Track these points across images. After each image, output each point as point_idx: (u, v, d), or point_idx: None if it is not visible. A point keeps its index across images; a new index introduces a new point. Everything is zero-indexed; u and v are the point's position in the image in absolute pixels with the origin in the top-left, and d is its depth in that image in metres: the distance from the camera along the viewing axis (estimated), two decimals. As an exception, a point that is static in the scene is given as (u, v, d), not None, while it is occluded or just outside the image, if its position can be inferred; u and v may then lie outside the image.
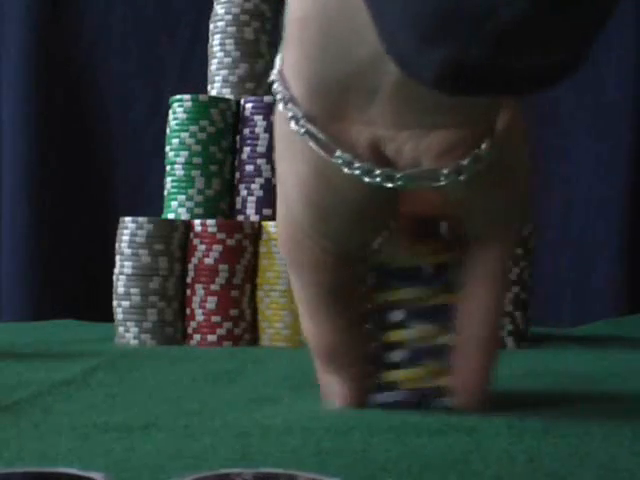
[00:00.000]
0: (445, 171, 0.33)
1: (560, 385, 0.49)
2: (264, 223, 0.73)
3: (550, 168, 1.13)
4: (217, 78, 0.81)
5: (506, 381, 0.49)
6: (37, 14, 1.12)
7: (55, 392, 0.42)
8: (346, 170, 0.32)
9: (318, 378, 0.39)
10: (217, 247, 0.71)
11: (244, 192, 0.77)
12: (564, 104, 1.13)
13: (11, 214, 1.12)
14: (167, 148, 0.78)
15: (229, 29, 0.80)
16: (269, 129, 0.76)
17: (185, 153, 0.76)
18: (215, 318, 0.71)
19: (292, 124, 0.33)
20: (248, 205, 0.76)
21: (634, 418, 0.37)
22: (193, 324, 0.71)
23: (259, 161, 0.76)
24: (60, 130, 1.13)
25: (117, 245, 0.72)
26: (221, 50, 0.81)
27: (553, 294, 1.13)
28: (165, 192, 0.78)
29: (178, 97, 0.77)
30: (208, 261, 0.71)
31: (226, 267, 0.71)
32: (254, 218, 0.75)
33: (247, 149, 0.77)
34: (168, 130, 0.78)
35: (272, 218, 0.74)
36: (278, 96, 0.33)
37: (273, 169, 0.75)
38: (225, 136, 0.77)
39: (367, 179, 0.32)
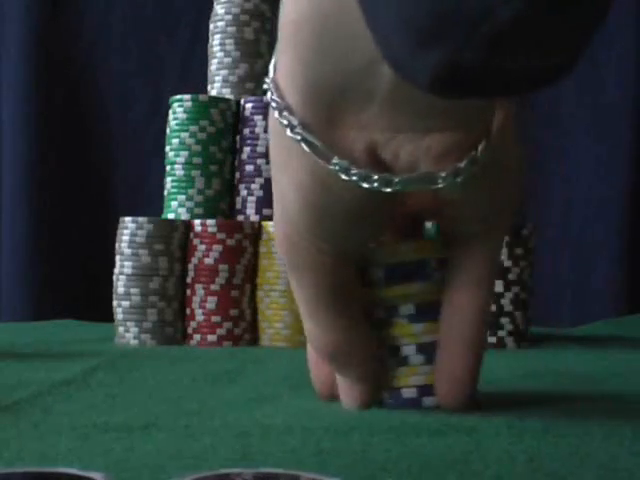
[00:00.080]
0: (442, 174, 0.33)
1: (560, 385, 0.49)
2: (264, 223, 0.73)
3: (550, 168, 1.13)
4: (217, 78, 0.81)
5: (506, 381, 0.49)
6: (37, 14, 1.12)
7: (55, 392, 0.42)
8: (343, 176, 0.32)
9: (312, 376, 0.39)
10: (217, 247, 0.71)
11: (244, 192, 0.77)
12: (564, 104, 1.13)
13: (11, 214, 1.12)
14: (167, 148, 0.78)
15: (229, 29, 0.80)
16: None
17: (185, 153, 0.76)
18: (215, 318, 0.71)
19: (287, 132, 0.32)
20: (248, 205, 0.76)
21: (634, 418, 0.37)
22: (193, 324, 0.71)
23: (259, 161, 0.76)
24: (60, 130, 1.13)
25: (117, 245, 0.72)
26: (221, 50, 0.81)
27: (553, 294, 1.13)
28: (165, 192, 0.78)
29: (178, 97, 0.77)
30: (208, 261, 0.71)
31: (226, 267, 0.71)
32: (254, 218, 0.75)
33: (247, 149, 0.77)
34: (168, 130, 0.78)
35: (272, 218, 0.74)
36: (273, 104, 0.33)
37: (273, 169, 0.76)
38: (225, 136, 0.78)
39: (365, 184, 0.32)
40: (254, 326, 0.72)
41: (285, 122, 0.32)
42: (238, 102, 0.79)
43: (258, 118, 0.76)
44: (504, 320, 0.71)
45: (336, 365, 0.37)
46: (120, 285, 0.71)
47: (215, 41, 0.81)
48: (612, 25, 1.13)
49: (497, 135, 0.34)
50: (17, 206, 1.11)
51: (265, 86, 0.34)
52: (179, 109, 0.77)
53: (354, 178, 0.32)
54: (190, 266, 0.72)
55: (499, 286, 0.71)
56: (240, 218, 0.76)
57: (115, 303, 0.72)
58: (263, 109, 0.76)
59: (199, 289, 0.71)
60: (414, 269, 0.37)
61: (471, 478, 0.26)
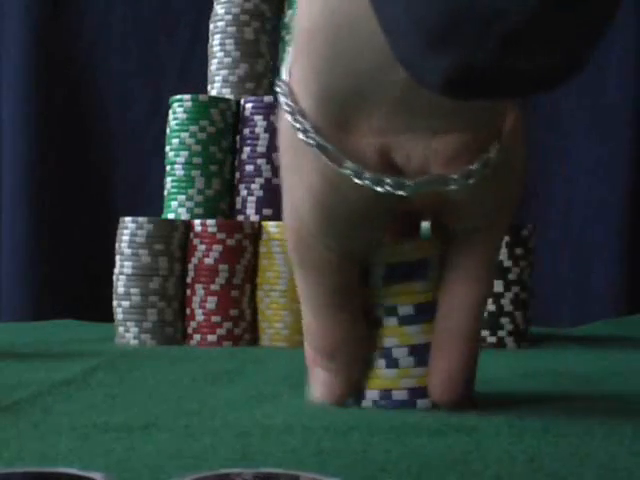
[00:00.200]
0: (455, 176, 0.33)
1: (560, 385, 0.49)
2: (264, 223, 0.73)
3: (550, 169, 1.13)
4: (217, 78, 0.81)
5: (506, 381, 0.49)
6: (37, 14, 1.12)
7: (55, 392, 0.42)
8: (356, 181, 0.33)
9: (310, 372, 0.39)
10: (217, 247, 0.71)
11: (244, 192, 0.77)
12: (564, 105, 1.13)
13: (11, 214, 1.12)
14: (167, 148, 0.78)
15: (229, 29, 0.80)
16: (269, 129, 0.76)
17: (185, 153, 0.76)
18: (215, 318, 0.71)
19: (300, 136, 0.33)
20: (248, 205, 0.76)
21: (634, 418, 0.37)
22: (193, 324, 0.71)
23: (259, 161, 0.76)
24: (60, 130, 1.13)
25: (117, 245, 0.72)
26: (221, 50, 0.81)
27: (553, 294, 1.13)
28: (165, 192, 0.78)
29: (178, 97, 0.77)
30: (208, 261, 0.71)
31: (226, 267, 0.71)
32: (254, 218, 0.75)
33: (247, 149, 0.77)
34: (168, 130, 0.78)
35: (272, 218, 0.74)
36: (286, 108, 0.33)
37: (273, 169, 0.76)
38: (225, 136, 0.78)
39: (378, 188, 0.33)
40: (254, 326, 0.72)
41: (298, 126, 0.33)
42: (238, 102, 0.79)
43: (258, 118, 0.76)
44: (504, 320, 0.71)
45: (333, 363, 0.37)
46: (120, 285, 0.71)
47: (215, 41, 0.81)
48: (612, 26, 1.13)
49: (508, 136, 0.34)
50: (17, 206, 1.11)
51: (277, 89, 0.34)
52: (179, 109, 0.77)
53: (367, 182, 0.33)
54: (190, 266, 0.72)
55: (499, 286, 0.71)
56: (240, 218, 0.76)
57: (115, 303, 0.72)
58: (263, 109, 0.76)
59: (199, 289, 0.71)
60: (414, 269, 0.37)
61: (471, 478, 0.26)
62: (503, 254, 0.71)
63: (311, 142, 0.32)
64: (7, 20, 1.13)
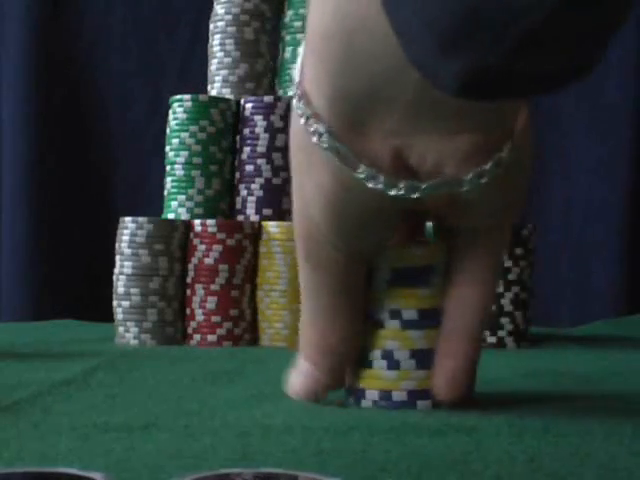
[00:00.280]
0: (468, 177, 0.33)
1: (560, 385, 0.49)
2: (264, 223, 0.73)
3: (550, 168, 1.13)
4: (217, 78, 0.81)
5: (506, 381, 0.49)
6: (37, 14, 1.12)
7: (55, 392, 0.42)
8: (370, 185, 0.33)
9: (297, 363, 0.39)
10: (217, 247, 0.71)
11: (244, 192, 0.77)
12: (565, 105, 1.13)
13: (11, 214, 1.12)
14: (167, 148, 0.78)
15: (229, 29, 0.80)
16: (269, 129, 0.76)
17: (185, 153, 0.76)
18: (215, 318, 0.71)
19: (314, 139, 0.33)
20: (248, 205, 0.76)
21: (634, 417, 0.37)
22: (193, 324, 0.71)
23: (259, 161, 0.76)
24: (60, 130, 1.13)
25: (117, 245, 0.72)
26: (221, 50, 0.81)
27: (553, 294, 1.13)
28: (165, 192, 0.78)
29: (178, 97, 0.77)
30: (208, 261, 0.71)
31: (226, 267, 0.71)
32: (254, 218, 0.75)
33: (247, 149, 0.77)
34: (168, 130, 0.78)
35: (272, 218, 0.74)
36: (299, 111, 0.33)
37: (273, 169, 0.76)
38: (225, 136, 0.78)
39: (391, 192, 0.33)
40: (254, 326, 0.72)
41: (311, 129, 0.33)
42: (238, 102, 0.79)
43: (258, 118, 0.76)
44: (504, 320, 0.71)
45: (316, 357, 0.38)
46: (120, 285, 0.71)
47: (215, 41, 0.81)
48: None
49: (519, 135, 0.34)
50: (17, 206, 1.11)
51: (291, 92, 0.34)
52: (179, 109, 0.77)
53: (380, 186, 0.33)
54: (190, 266, 0.72)
55: (499, 286, 0.71)
56: (240, 218, 0.76)
57: (115, 303, 0.72)
58: (263, 109, 0.76)
59: (199, 289, 0.71)
60: (418, 274, 0.37)
61: (471, 478, 0.26)
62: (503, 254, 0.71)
63: (324, 145, 0.32)
64: (7, 20, 1.13)
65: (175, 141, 0.77)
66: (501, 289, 0.71)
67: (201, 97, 0.77)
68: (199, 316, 0.71)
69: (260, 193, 0.76)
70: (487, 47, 0.23)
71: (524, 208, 0.38)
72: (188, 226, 0.73)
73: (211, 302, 0.71)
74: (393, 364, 0.37)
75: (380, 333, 0.37)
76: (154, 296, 0.71)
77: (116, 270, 0.72)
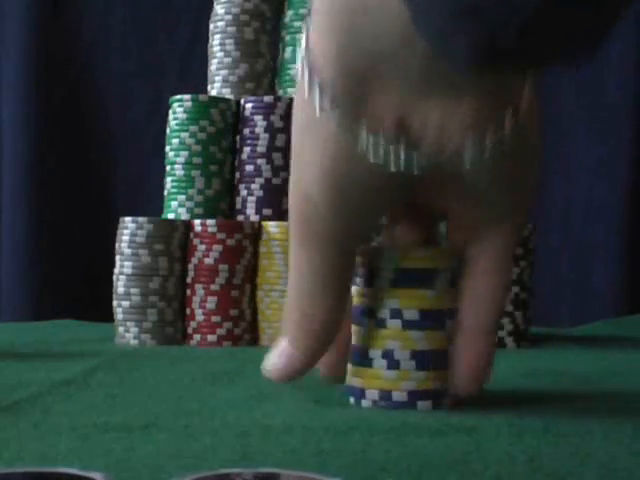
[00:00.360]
0: (468, 150, 0.33)
1: (560, 385, 0.49)
2: (264, 223, 0.73)
3: (550, 168, 1.13)
4: (217, 78, 0.81)
5: (506, 381, 0.49)
6: (37, 14, 1.12)
7: (55, 392, 0.42)
8: (371, 156, 0.32)
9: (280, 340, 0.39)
10: (217, 247, 0.71)
11: (244, 192, 0.77)
12: (564, 104, 1.13)
13: (11, 214, 1.12)
14: (167, 148, 0.78)
15: (229, 29, 0.80)
16: (269, 129, 0.76)
17: (185, 153, 0.76)
18: (215, 318, 0.71)
19: (318, 110, 0.33)
20: (248, 205, 0.76)
21: (634, 417, 0.37)
22: (193, 324, 0.71)
23: (259, 161, 0.76)
24: (60, 130, 1.13)
25: (117, 245, 0.72)
26: (221, 50, 0.81)
27: (553, 294, 1.13)
28: (165, 192, 0.78)
29: (178, 97, 0.77)
30: (208, 261, 0.71)
31: (226, 267, 0.71)
32: (254, 218, 0.75)
33: (247, 149, 0.77)
34: (168, 130, 0.78)
35: (272, 218, 0.74)
36: (304, 78, 0.33)
37: (273, 169, 0.76)
38: (225, 136, 0.78)
39: (392, 164, 0.33)
40: (254, 326, 0.72)
41: (315, 100, 0.33)
42: (238, 102, 0.79)
43: (258, 118, 0.76)
44: (504, 320, 0.71)
45: (300, 336, 0.37)
46: (120, 285, 0.71)
47: (215, 41, 0.81)
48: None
49: (524, 116, 0.34)
50: (17, 206, 1.11)
51: (299, 61, 0.34)
52: (179, 109, 0.77)
53: (381, 158, 0.32)
54: (190, 266, 0.72)
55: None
56: (240, 218, 0.76)
57: (115, 303, 0.72)
58: (263, 109, 0.76)
59: (199, 289, 0.71)
60: (422, 276, 0.37)
61: (471, 478, 0.26)
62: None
63: (327, 116, 0.32)
64: (7, 20, 1.13)
65: (175, 141, 0.77)
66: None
67: (201, 97, 0.77)
68: (199, 316, 0.71)
69: (260, 193, 0.76)
70: (500, 17, 0.23)
71: (533, 206, 0.37)
72: (188, 226, 0.73)
73: (211, 302, 0.71)
74: (393, 364, 0.37)
75: (381, 332, 0.37)
76: (154, 296, 0.71)
77: (116, 270, 0.72)
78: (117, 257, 0.72)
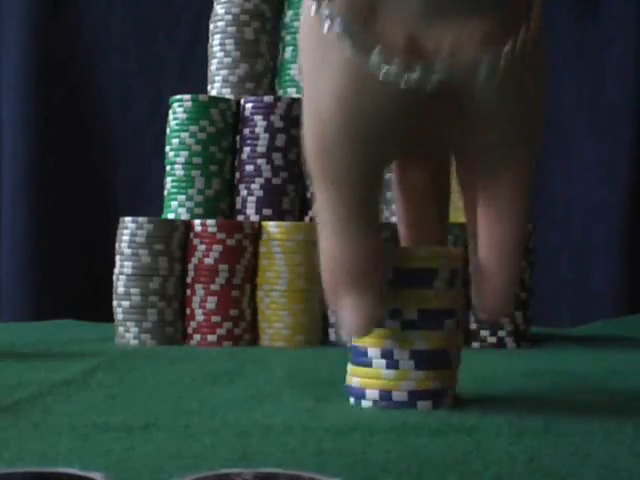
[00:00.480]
0: (485, 59, 0.32)
1: (560, 385, 0.49)
2: (264, 223, 0.73)
3: (550, 168, 1.13)
4: (217, 78, 0.81)
5: (506, 381, 0.49)
6: (37, 14, 1.12)
7: (55, 392, 0.42)
8: (383, 71, 0.32)
9: (336, 309, 0.38)
10: (217, 247, 0.71)
11: (244, 192, 0.77)
12: (564, 104, 1.13)
13: (11, 214, 1.12)
14: (167, 148, 0.78)
15: (229, 29, 0.80)
16: (269, 129, 0.76)
17: (185, 153, 0.76)
18: (215, 318, 0.71)
19: (326, 26, 0.32)
20: (248, 205, 0.76)
21: (634, 417, 0.37)
22: (193, 324, 0.71)
23: (259, 161, 0.76)
24: (60, 130, 1.13)
25: (117, 245, 0.72)
26: (221, 50, 0.81)
27: (553, 294, 1.13)
28: (165, 192, 0.78)
29: (178, 97, 0.77)
30: (208, 261, 0.71)
31: (226, 267, 0.71)
32: (254, 218, 0.75)
33: (247, 149, 0.77)
34: (168, 130, 0.78)
35: (272, 218, 0.74)
36: (311, 2, 0.33)
37: (273, 169, 0.76)
38: (225, 136, 0.78)
39: (406, 77, 0.32)
40: (254, 326, 0.72)
41: (324, 15, 0.32)
42: (238, 102, 0.79)
43: (258, 118, 0.76)
44: (504, 320, 0.71)
45: (352, 282, 0.36)
46: (120, 285, 0.71)
47: (215, 41, 0.81)
48: (612, 25, 1.13)
49: (534, 27, 0.33)
50: (17, 206, 1.11)
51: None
52: (179, 109, 0.77)
53: (394, 72, 0.32)
54: (190, 266, 0.72)
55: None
56: (240, 218, 0.76)
57: (115, 303, 0.72)
58: (263, 109, 0.76)
59: (199, 289, 0.71)
60: (422, 276, 0.37)
61: (471, 478, 0.26)
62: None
63: (337, 30, 0.32)
64: (7, 20, 1.13)
65: (175, 141, 0.77)
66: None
67: (201, 97, 0.77)
68: (199, 316, 0.71)
69: (260, 193, 0.76)
70: None
71: (541, 140, 0.37)
72: (188, 226, 0.73)
73: (211, 302, 0.71)
74: (392, 363, 0.37)
75: (380, 332, 0.37)
76: (154, 296, 0.71)
77: (116, 270, 0.72)
78: (117, 257, 0.72)
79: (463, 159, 0.38)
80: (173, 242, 0.72)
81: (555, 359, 0.63)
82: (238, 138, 0.78)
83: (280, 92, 0.80)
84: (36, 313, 1.06)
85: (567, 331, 0.92)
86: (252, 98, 0.77)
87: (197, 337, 0.71)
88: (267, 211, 0.75)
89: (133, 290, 0.71)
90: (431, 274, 0.37)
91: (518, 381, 0.50)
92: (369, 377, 0.38)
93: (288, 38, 0.80)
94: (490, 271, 0.37)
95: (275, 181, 0.76)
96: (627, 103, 1.13)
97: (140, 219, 0.71)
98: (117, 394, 0.42)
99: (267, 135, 0.76)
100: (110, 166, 1.14)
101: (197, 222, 0.72)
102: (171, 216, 0.77)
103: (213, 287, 0.71)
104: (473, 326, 0.71)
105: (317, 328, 0.72)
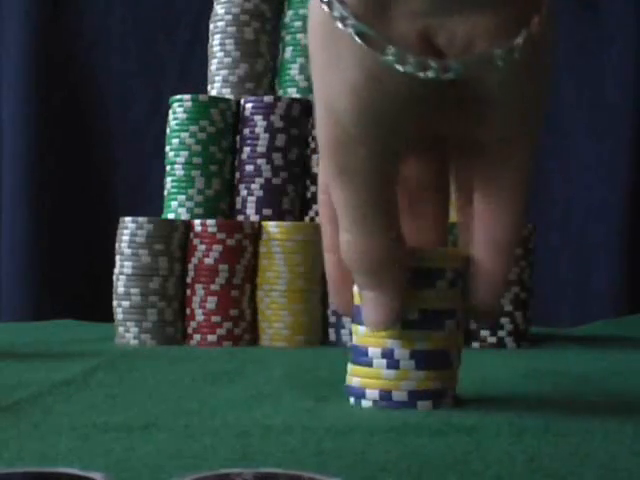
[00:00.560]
0: (499, 52, 0.32)
1: (560, 385, 0.49)
2: (264, 223, 0.73)
3: (550, 168, 1.13)
4: (217, 78, 0.81)
5: (506, 381, 0.49)
6: (37, 14, 1.12)
7: (55, 392, 0.42)
8: (399, 67, 0.32)
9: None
10: (217, 247, 0.71)
11: (244, 192, 0.77)
12: (564, 104, 1.13)
13: (11, 214, 1.12)
14: (167, 148, 0.78)
15: (229, 29, 0.80)
16: (269, 129, 0.76)
17: (185, 153, 0.76)
18: (215, 318, 0.71)
19: (339, 25, 0.32)
20: (248, 205, 0.76)
21: (634, 417, 0.37)
22: (193, 324, 0.71)
23: (259, 161, 0.76)
24: (60, 130, 1.13)
25: (117, 245, 0.72)
26: (221, 50, 0.81)
27: (553, 294, 1.13)
28: (165, 192, 0.78)
29: (178, 97, 0.77)
30: (208, 261, 0.71)
31: (226, 267, 0.71)
32: (254, 218, 0.75)
33: (247, 149, 0.77)
34: (168, 130, 0.78)
35: (272, 218, 0.74)
36: None
37: (273, 169, 0.76)
38: (225, 136, 0.78)
39: (422, 74, 0.32)
40: (254, 326, 0.72)
41: (336, 14, 0.32)
42: (238, 102, 0.79)
43: (258, 118, 0.76)
44: (504, 320, 0.71)
45: (373, 277, 0.36)
46: (120, 285, 0.71)
47: (215, 41, 0.81)
48: (612, 25, 1.13)
49: (545, 17, 0.33)
50: (17, 206, 1.11)
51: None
52: (179, 109, 0.77)
53: (409, 68, 0.32)
54: (190, 266, 0.72)
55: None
56: (240, 218, 0.76)
57: (115, 303, 0.72)
58: (263, 109, 0.76)
59: (199, 289, 0.71)
60: (424, 276, 0.37)
61: (471, 478, 0.26)
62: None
63: (350, 30, 0.32)
64: (7, 20, 1.13)
65: (175, 141, 0.77)
66: (501, 289, 0.71)
67: (201, 97, 0.77)
68: (199, 316, 0.71)
69: (260, 193, 0.76)
70: None
71: (540, 139, 0.37)
72: (188, 226, 0.73)
73: (211, 302, 0.71)
74: (393, 363, 0.37)
75: (381, 332, 0.37)
76: (154, 296, 0.71)
77: (116, 270, 0.72)
78: (117, 257, 0.72)
79: (461, 155, 0.38)
80: (173, 242, 0.72)
81: (555, 359, 0.63)
82: (238, 138, 0.78)
83: (280, 92, 0.80)
84: (36, 313, 1.06)
85: (567, 331, 0.92)
86: (252, 98, 0.77)
87: (197, 337, 0.71)
88: (267, 211, 0.75)
89: (133, 290, 0.71)
90: (434, 274, 0.37)
91: (518, 381, 0.50)
92: (369, 377, 0.38)
93: (288, 38, 0.80)
94: (484, 268, 0.37)
95: (275, 181, 0.76)
96: (627, 103, 1.13)
97: (140, 219, 0.71)
98: (117, 394, 0.42)
99: (267, 135, 0.76)
100: (110, 166, 1.14)
101: (197, 222, 0.72)
102: (171, 216, 0.77)
103: (213, 287, 0.71)
104: (473, 326, 0.71)
105: (317, 328, 0.72)
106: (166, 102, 0.79)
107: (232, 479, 0.22)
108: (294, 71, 0.79)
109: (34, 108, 1.11)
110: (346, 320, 0.70)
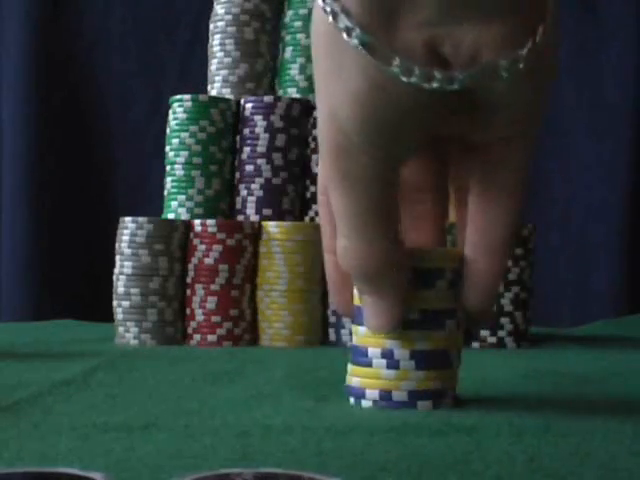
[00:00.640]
0: (504, 63, 0.32)
1: (560, 385, 0.49)
2: (264, 223, 0.73)
3: (550, 168, 1.13)
4: (217, 78, 0.81)
5: (506, 381, 0.49)
6: (37, 14, 1.12)
7: (55, 392, 0.42)
8: (404, 79, 0.32)
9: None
10: (217, 247, 0.71)
11: (244, 192, 0.77)
12: (564, 104, 1.13)
13: (11, 214, 1.12)
14: (167, 148, 0.78)
15: (229, 29, 0.80)
16: (269, 129, 0.76)
17: (185, 153, 0.76)
18: (215, 318, 0.71)
19: (344, 36, 0.32)
20: (248, 205, 0.76)
21: (634, 417, 0.37)
22: (193, 324, 0.71)
23: (259, 161, 0.76)
24: (60, 130, 1.13)
25: (117, 245, 0.72)
26: (221, 50, 0.81)
27: (553, 294, 1.13)
28: (165, 192, 0.78)
29: (178, 97, 0.77)
30: (208, 261, 0.71)
31: (226, 267, 0.71)
32: (254, 218, 0.75)
33: (247, 149, 0.77)
34: (168, 130, 0.78)
35: (272, 218, 0.74)
36: (327, 8, 0.32)
37: (273, 169, 0.76)
38: (225, 136, 0.78)
39: (427, 85, 0.32)
40: (254, 326, 0.72)
41: (342, 26, 0.32)
42: (238, 102, 0.79)
43: (258, 118, 0.76)
44: (504, 320, 0.71)
45: (372, 283, 0.36)
46: (120, 285, 0.71)
47: (215, 41, 0.81)
48: (612, 25, 1.13)
49: (550, 22, 0.33)
50: (17, 206, 1.11)
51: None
52: (179, 109, 0.77)
53: (415, 79, 0.32)
54: (190, 266, 0.72)
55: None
56: (240, 218, 0.76)
57: (115, 303, 0.72)
58: (263, 109, 0.76)
59: (199, 289, 0.71)
60: (424, 277, 0.37)
61: (471, 478, 0.26)
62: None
63: (355, 41, 0.32)
64: (7, 20, 1.13)
65: (175, 141, 0.77)
66: (501, 289, 0.71)
67: (201, 97, 0.77)
68: (199, 316, 0.71)
69: (260, 193, 0.76)
70: None
71: (540, 126, 0.37)
72: (188, 226, 0.73)
73: (211, 302, 0.71)
74: (393, 363, 0.37)
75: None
76: (154, 296, 0.71)
77: (116, 270, 0.72)
78: (117, 257, 0.72)
79: (461, 155, 0.38)
80: (173, 242, 0.72)
81: (555, 359, 0.63)
82: (238, 138, 0.78)
83: (280, 92, 0.80)
84: (36, 313, 1.06)
85: (567, 331, 0.92)
86: (252, 98, 0.77)
87: (197, 337, 0.71)
88: (267, 211, 0.75)
89: (133, 290, 0.71)
90: (434, 274, 0.37)
91: (518, 381, 0.50)
92: (369, 377, 0.38)
93: (288, 38, 0.80)
94: (478, 267, 0.37)
95: (275, 181, 0.76)
96: (627, 103, 1.13)
97: (140, 219, 0.71)
98: (117, 394, 0.42)
99: (267, 135, 0.76)
100: (110, 166, 1.14)
101: (197, 222, 0.72)
102: (171, 216, 0.77)
103: (213, 287, 0.71)
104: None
105: (317, 328, 0.72)
106: (166, 102, 0.79)
107: (232, 479, 0.22)
108: (294, 71, 0.79)
109: (34, 108, 1.11)
110: (346, 320, 0.71)
